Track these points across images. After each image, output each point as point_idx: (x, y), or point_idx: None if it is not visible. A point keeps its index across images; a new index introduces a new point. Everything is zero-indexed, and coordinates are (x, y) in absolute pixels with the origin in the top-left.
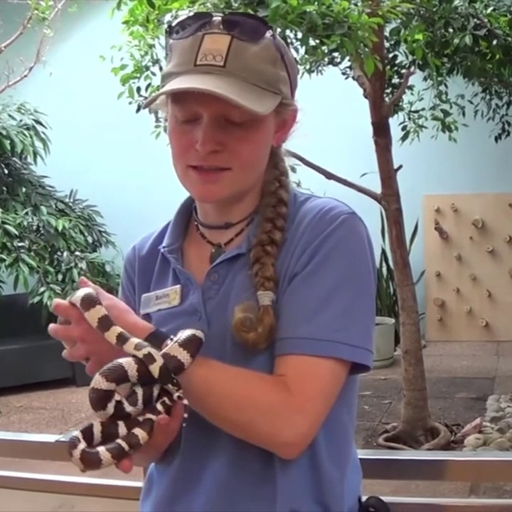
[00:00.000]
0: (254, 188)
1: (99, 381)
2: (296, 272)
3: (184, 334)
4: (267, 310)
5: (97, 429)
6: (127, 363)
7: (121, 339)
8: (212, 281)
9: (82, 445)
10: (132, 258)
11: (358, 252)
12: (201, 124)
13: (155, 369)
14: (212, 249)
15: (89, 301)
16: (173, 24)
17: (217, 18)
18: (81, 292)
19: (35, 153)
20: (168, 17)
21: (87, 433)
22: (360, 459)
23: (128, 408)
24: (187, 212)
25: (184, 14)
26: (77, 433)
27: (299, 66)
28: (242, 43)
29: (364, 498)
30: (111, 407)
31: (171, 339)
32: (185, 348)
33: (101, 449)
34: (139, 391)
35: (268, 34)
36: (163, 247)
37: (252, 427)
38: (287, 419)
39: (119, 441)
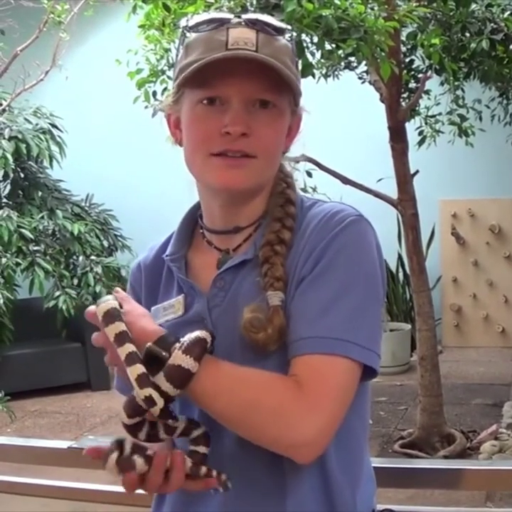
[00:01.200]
0: (265, 188)
1: (123, 416)
2: (303, 275)
3: (188, 338)
4: (277, 310)
5: (128, 445)
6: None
7: (128, 360)
8: (219, 288)
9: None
10: (138, 273)
11: (364, 255)
12: (228, 108)
13: (155, 412)
14: (219, 255)
15: (109, 317)
16: (193, 22)
17: (236, 19)
18: (105, 305)
19: (51, 157)
20: (183, 21)
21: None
22: (375, 467)
23: (162, 435)
24: (192, 220)
25: (201, 16)
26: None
27: (315, 70)
28: (267, 36)
29: (379, 509)
30: (142, 436)
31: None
32: (188, 353)
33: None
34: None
35: (287, 35)
36: (166, 256)
37: (263, 427)
38: (299, 418)
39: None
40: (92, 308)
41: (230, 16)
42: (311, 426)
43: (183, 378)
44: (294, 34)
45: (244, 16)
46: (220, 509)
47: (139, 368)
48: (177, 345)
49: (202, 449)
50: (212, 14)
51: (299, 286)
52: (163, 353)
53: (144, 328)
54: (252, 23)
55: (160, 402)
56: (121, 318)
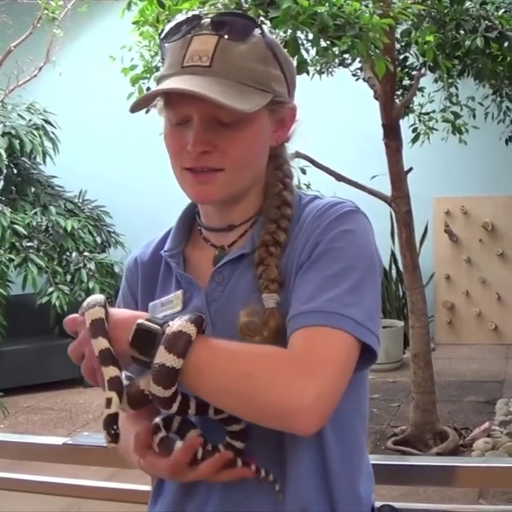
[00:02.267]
0: (253, 188)
1: (158, 390)
2: (301, 262)
3: (169, 332)
4: (273, 312)
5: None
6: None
7: (103, 358)
8: (217, 283)
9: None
10: (134, 268)
11: (363, 239)
12: (192, 126)
13: (104, 414)
14: (215, 251)
15: (96, 330)
16: (167, 29)
17: (206, 19)
18: (91, 313)
19: (44, 153)
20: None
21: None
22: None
23: (191, 411)
24: (190, 216)
25: (177, 18)
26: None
27: (309, 67)
28: (229, 42)
29: (377, 506)
30: (175, 407)
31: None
32: (170, 351)
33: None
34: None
35: (257, 32)
36: (165, 252)
37: (258, 396)
38: (295, 383)
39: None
40: (74, 316)
41: (201, 16)
42: (308, 391)
43: (169, 378)
44: (289, 31)
45: (214, 17)
46: (218, 507)
47: (113, 370)
48: (166, 327)
49: (238, 444)
50: (185, 15)
51: (297, 273)
52: (155, 327)
53: (132, 313)
54: (218, 27)
55: (113, 408)
56: (106, 332)
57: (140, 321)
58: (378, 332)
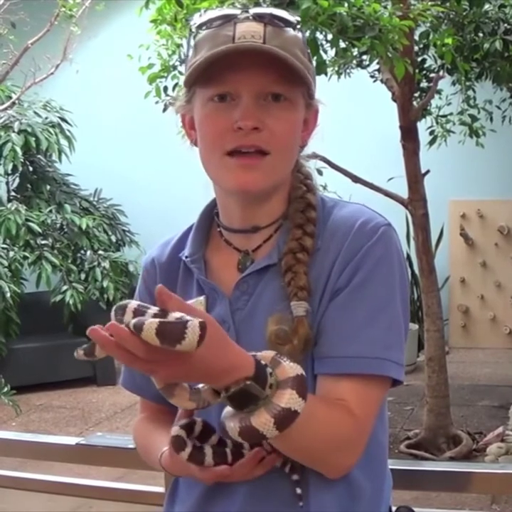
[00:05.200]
0: (280, 189)
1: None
2: (339, 286)
3: (292, 373)
4: (302, 321)
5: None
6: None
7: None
8: (242, 292)
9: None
10: (151, 269)
11: (399, 267)
12: (239, 103)
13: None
14: (239, 256)
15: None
16: (203, 18)
17: (244, 13)
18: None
19: (60, 151)
20: (195, 17)
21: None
22: None
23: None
24: (208, 218)
25: (209, 13)
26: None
27: (327, 68)
28: (275, 29)
29: (394, 508)
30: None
31: (270, 374)
32: (301, 395)
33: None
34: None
35: (295, 28)
36: (186, 258)
37: (326, 456)
38: (356, 444)
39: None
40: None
41: (238, 11)
42: (361, 448)
43: (290, 421)
44: (308, 32)
45: (252, 11)
46: (243, 507)
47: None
48: (270, 379)
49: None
50: (220, 10)
51: (334, 298)
52: (264, 394)
53: (234, 359)
54: (259, 17)
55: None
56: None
57: (249, 383)
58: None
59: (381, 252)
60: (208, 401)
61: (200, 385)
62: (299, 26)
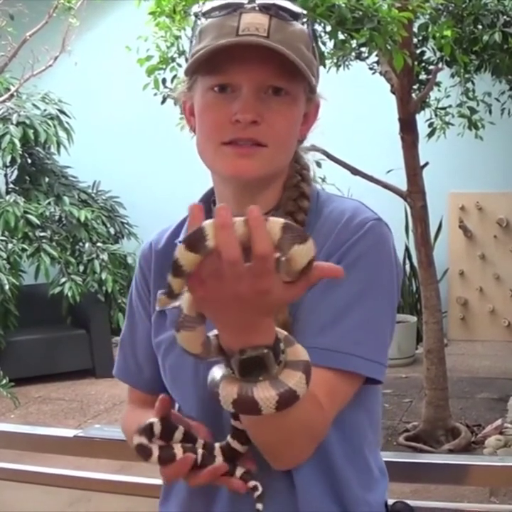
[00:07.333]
0: (277, 179)
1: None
2: None
3: (304, 356)
4: (282, 307)
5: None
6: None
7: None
8: None
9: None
10: (148, 254)
11: (384, 262)
12: (239, 95)
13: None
14: None
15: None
16: (207, 7)
17: (250, 4)
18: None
19: (58, 143)
20: (195, 8)
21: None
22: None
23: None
24: (206, 206)
25: (214, 1)
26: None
27: (326, 60)
28: (280, 22)
29: (390, 503)
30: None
31: (282, 352)
32: (307, 381)
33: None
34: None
35: (301, 21)
36: (180, 242)
37: (288, 445)
38: (318, 437)
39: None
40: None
41: (244, 0)
42: (319, 440)
43: (291, 404)
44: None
45: (259, 1)
46: (227, 507)
47: None
48: (281, 356)
49: (237, 446)
50: (226, 2)
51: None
52: (275, 368)
53: (267, 320)
54: (265, 8)
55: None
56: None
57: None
58: (386, 359)
59: (365, 247)
60: (212, 355)
61: (211, 335)
62: (305, 19)
